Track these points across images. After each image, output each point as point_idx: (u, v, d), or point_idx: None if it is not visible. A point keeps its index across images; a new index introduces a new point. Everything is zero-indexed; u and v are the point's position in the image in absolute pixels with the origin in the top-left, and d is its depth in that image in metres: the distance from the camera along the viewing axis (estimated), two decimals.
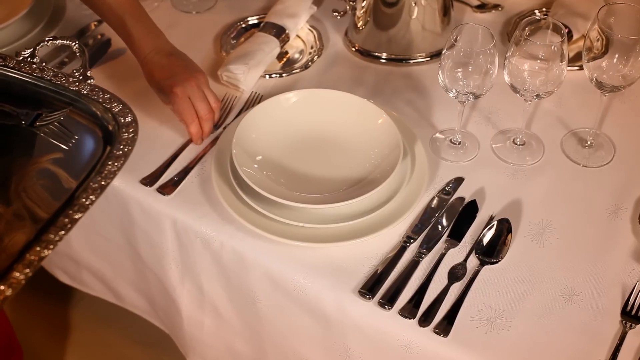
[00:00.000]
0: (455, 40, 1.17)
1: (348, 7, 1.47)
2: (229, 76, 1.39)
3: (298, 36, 1.51)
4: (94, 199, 0.98)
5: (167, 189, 1.24)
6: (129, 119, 1.10)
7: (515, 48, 1.18)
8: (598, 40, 1.18)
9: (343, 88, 1.32)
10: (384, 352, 1.11)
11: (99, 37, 1.51)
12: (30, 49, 1.18)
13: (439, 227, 1.18)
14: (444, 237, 1.16)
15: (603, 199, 1.23)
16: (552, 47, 1.16)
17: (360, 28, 1.47)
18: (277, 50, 1.45)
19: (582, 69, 1.37)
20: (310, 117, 1.27)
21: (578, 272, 1.13)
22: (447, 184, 1.24)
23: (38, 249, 0.92)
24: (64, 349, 1.86)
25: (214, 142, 1.30)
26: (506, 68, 1.20)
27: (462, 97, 1.21)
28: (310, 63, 1.46)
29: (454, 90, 1.21)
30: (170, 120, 1.32)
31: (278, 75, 1.43)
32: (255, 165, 1.21)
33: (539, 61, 1.18)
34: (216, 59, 1.47)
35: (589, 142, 1.30)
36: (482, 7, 1.56)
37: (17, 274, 0.90)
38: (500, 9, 1.56)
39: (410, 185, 1.21)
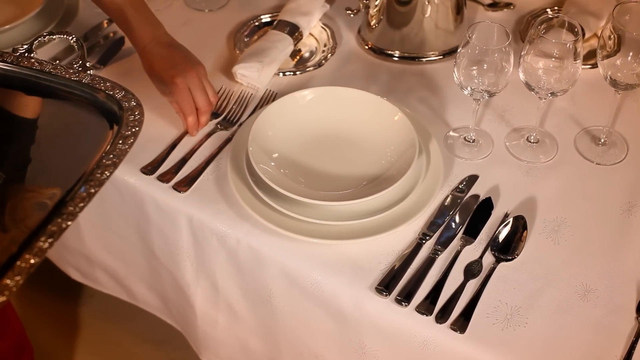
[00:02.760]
0: (471, 38, 1.17)
1: (361, 5, 1.48)
2: (243, 74, 1.39)
3: (311, 34, 1.51)
4: (108, 174, 1.01)
5: (182, 186, 1.24)
6: (133, 102, 1.12)
7: (530, 46, 1.18)
8: (611, 38, 1.19)
9: (356, 86, 1.32)
10: (400, 349, 1.11)
11: (111, 35, 1.52)
12: (26, 44, 1.19)
13: (454, 224, 1.18)
14: (460, 234, 1.17)
15: (617, 196, 1.23)
16: (567, 45, 1.16)
17: (374, 26, 1.47)
18: (291, 48, 1.45)
19: (595, 67, 1.39)
20: (326, 114, 1.28)
21: (593, 269, 1.13)
22: (462, 182, 1.24)
23: (59, 220, 0.94)
24: (74, 346, 1.87)
25: (229, 139, 1.30)
26: (521, 66, 1.21)
27: (477, 95, 1.22)
28: (323, 61, 1.46)
29: (469, 88, 1.21)
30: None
31: (292, 73, 1.44)
32: (272, 163, 1.21)
33: (553, 59, 1.18)
34: (229, 57, 1.47)
35: (602, 140, 1.31)
36: (494, 6, 1.57)
37: (41, 244, 0.92)
38: (512, 7, 1.57)
39: (425, 183, 1.21)
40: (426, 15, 1.43)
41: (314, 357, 1.23)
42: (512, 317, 1.08)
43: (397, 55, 1.47)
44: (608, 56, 1.20)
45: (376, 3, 1.45)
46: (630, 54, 1.18)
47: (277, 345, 1.28)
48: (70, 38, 1.22)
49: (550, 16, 1.44)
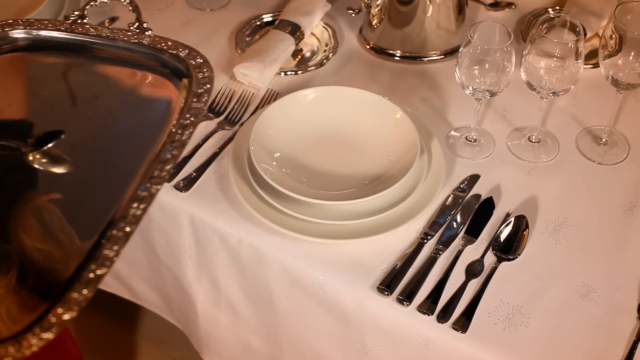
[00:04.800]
0: (472, 38, 1.17)
1: (363, 5, 1.48)
2: (245, 73, 1.39)
3: (313, 34, 1.51)
4: (188, 134, 0.99)
5: (184, 185, 1.24)
6: (199, 59, 1.09)
7: (532, 46, 1.19)
8: (612, 38, 1.19)
9: (358, 85, 1.32)
10: (401, 348, 1.11)
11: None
12: (78, 11, 1.18)
13: (456, 224, 1.18)
14: (461, 234, 1.17)
15: (618, 196, 1.23)
16: (569, 45, 1.16)
17: (375, 26, 1.47)
18: (292, 47, 1.45)
19: (596, 66, 1.39)
20: (327, 114, 1.28)
21: (594, 268, 1.13)
22: (463, 181, 1.24)
23: (148, 184, 0.93)
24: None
25: (231, 139, 1.30)
26: (522, 65, 1.21)
27: (478, 95, 1.22)
28: (325, 60, 1.46)
29: (470, 88, 1.21)
30: None
31: (293, 73, 1.44)
32: (274, 162, 1.21)
33: (555, 59, 1.18)
34: (231, 57, 1.47)
35: (603, 140, 1.31)
36: (495, 5, 1.57)
37: (123, 226, 0.90)
38: (513, 7, 1.57)
39: (427, 182, 1.21)
40: (428, 15, 1.43)
41: (316, 356, 1.23)
42: (514, 317, 1.08)
43: (398, 54, 1.47)
44: (609, 56, 1.20)
45: (378, 3, 1.45)
46: (632, 53, 1.18)
47: (278, 344, 1.28)
48: (123, 0, 1.19)
49: (551, 16, 1.43)
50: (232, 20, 1.55)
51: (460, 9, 1.45)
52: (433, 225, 1.18)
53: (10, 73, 1.19)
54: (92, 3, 1.18)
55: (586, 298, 1.10)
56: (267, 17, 1.55)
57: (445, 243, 1.16)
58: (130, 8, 1.18)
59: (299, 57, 1.48)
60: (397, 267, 1.12)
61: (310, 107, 1.28)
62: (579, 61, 1.18)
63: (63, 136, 1.05)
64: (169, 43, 1.12)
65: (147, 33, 1.13)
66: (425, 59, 1.46)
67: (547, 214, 1.20)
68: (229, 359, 1.38)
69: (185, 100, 1.04)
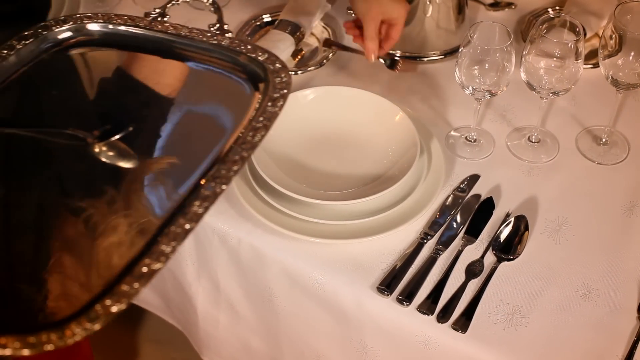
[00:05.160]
0: (472, 38, 1.17)
1: None
2: None
3: (312, 34, 1.51)
4: (260, 137, 0.98)
5: None
6: (278, 65, 1.09)
7: (531, 46, 1.19)
8: (612, 38, 1.19)
9: (358, 86, 1.32)
10: (401, 348, 1.11)
11: None
12: (159, 8, 1.18)
13: (456, 224, 1.18)
14: (461, 234, 1.17)
15: (618, 196, 1.23)
16: (568, 45, 1.16)
17: None
18: (292, 47, 1.45)
19: (596, 66, 1.39)
20: (327, 114, 1.28)
21: (594, 268, 1.13)
22: (463, 181, 1.24)
23: (213, 184, 0.93)
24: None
25: None
26: (522, 66, 1.21)
27: (478, 95, 1.22)
28: (324, 61, 1.46)
29: (470, 88, 1.21)
30: None
31: (293, 73, 1.44)
32: (273, 162, 1.21)
33: (554, 59, 1.18)
34: None
35: (603, 140, 1.31)
36: (495, 5, 1.57)
37: (196, 209, 0.90)
38: (513, 7, 1.57)
39: (426, 183, 1.21)
40: (427, 15, 1.43)
41: (316, 357, 1.23)
42: (514, 317, 1.08)
43: (398, 54, 1.47)
44: (609, 56, 1.20)
45: None
46: (632, 53, 1.18)
47: (278, 344, 1.28)
48: (206, 1, 1.18)
49: (551, 16, 1.43)
50: (231, 21, 1.55)
51: (460, 9, 1.45)
52: (433, 225, 1.18)
53: (84, 65, 1.20)
54: (173, 2, 1.18)
55: (586, 298, 1.10)
56: (267, 17, 1.55)
57: (445, 243, 1.16)
58: (212, 9, 1.18)
59: (299, 57, 1.48)
60: (397, 267, 1.12)
61: (310, 107, 1.28)
62: (579, 61, 1.18)
63: (130, 129, 1.05)
64: (248, 47, 1.12)
65: (227, 35, 1.14)
66: (425, 59, 1.47)
67: (547, 214, 1.20)
68: (228, 359, 1.38)
69: (260, 103, 1.04)
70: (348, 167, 1.23)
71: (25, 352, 0.79)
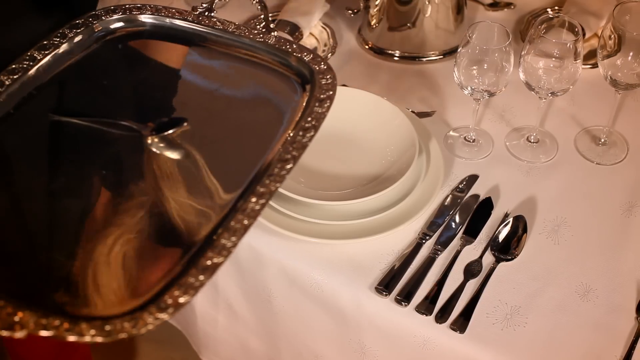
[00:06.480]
0: (471, 38, 1.17)
1: (362, 5, 1.48)
2: None
3: (311, 34, 1.51)
4: (309, 137, 1.01)
5: None
6: (323, 66, 1.10)
7: (530, 46, 1.19)
8: (611, 38, 1.19)
9: (356, 86, 1.32)
10: (400, 349, 1.11)
11: None
12: (206, 3, 1.19)
13: (454, 224, 1.18)
14: (460, 234, 1.17)
15: (617, 196, 1.23)
16: (567, 45, 1.16)
17: (374, 26, 1.47)
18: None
19: (595, 67, 1.39)
20: None
21: (593, 268, 1.13)
22: (462, 182, 1.24)
23: (267, 181, 0.96)
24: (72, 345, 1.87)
25: None
26: (521, 66, 1.21)
27: (477, 95, 1.22)
28: None
29: (469, 88, 1.21)
30: None
31: None
32: None
33: (553, 59, 1.18)
34: None
35: (602, 140, 1.31)
36: (494, 6, 1.57)
37: (252, 205, 0.93)
38: (512, 7, 1.57)
39: (425, 183, 1.21)
40: (426, 15, 1.43)
41: (314, 357, 1.23)
42: (512, 317, 1.08)
43: (397, 55, 1.47)
44: (608, 56, 1.20)
45: (376, 3, 1.45)
46: (631, 53, 1.18)
47: (276, 344, 1.28)
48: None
49: (550, 16, 1.43)
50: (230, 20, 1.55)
51: (459, 9, 1.45)
52: (431, 225, 1.18)
53: (136, 57, 1.22)
54: None
55: (584, 298, 1.10)
56: None
57: (443, 243, 1.16)
58: (259, 7, 1.18)
59: None
60: (396, 268, 1.12)
61: None
62: (578, 61, 1.18)
63: (185, 124, 1.07)
64: (294, 46, 1.13)
65: (272, 34, 1.15)
66: (424, 59, 1.47)
67: (546, 214, 1.20)
68: (227, 359, 1.38)
69: (307, 104, 1.06)
70: (346, 167, 1.23)
71: (99, 339, 0.82)
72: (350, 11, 1.51)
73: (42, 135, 1.08)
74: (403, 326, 1.09)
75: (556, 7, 1.55)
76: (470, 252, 1.15)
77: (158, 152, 1.04)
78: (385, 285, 1.10)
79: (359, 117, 1.27)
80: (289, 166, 0.97)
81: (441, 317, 1.07)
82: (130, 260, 0.93)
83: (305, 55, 1.12)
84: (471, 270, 1.12)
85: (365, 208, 1.16)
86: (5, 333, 0.81)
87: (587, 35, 1.46)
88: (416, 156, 1.19)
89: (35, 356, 1.61)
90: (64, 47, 1.15)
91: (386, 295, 1.10)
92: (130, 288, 0.89)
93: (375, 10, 1.46)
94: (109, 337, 0.82)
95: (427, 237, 1.16)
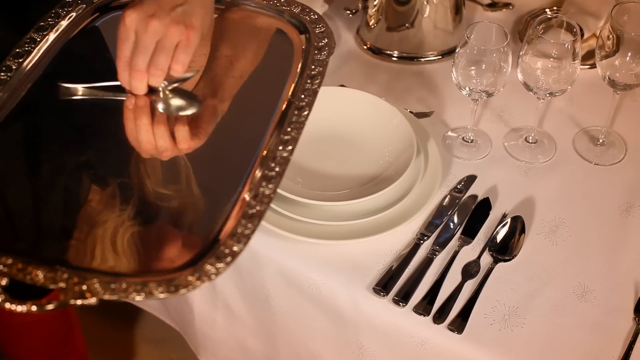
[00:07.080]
0: (469, 38, 1.17)
1: (360, 5, 1.48)
2: None
3: None
4: (317, 84, 1.08)
5: None
6: (313, 15, 1.19)
7: (529, 46, 1.18)
8: (609, 38, 1.19)
9: (355, 86, 1.32)
10: (397, 349, 1.11)
11: None
12: None
13: (452, 224, 1.18)
14: (458, 235, 1.17)
15: (615, 196, 1.23)
16: (565, 46, 1.16)
17: (372, 26, 1.47)
18: None
19: (593, 67, 1.38)
20: (323, 114, 1.27)
21: (591, 269, 1.13)
22: (460, 182, 1.24)
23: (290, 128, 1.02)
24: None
25: None
26: (519, 66, 1.21)
27: (475, 95, 1.22)
28: None
29: (467, 88, 1.21)
30: None
31: None
32: None
33: (552, 59, 1.18)
34: None
35: (600, 141, 1.31)
36: (493, 6, 1.57)
37: (281, 150, 0.99)
38: (511, 7, 1.57)
39: (423, 183, 1.21)
40: (425, 15, 1.43)
41: (312, 357, 1.23)
42: (510, 318, 1.07)
43: (395, 55, 1.47)
44: (607, 56, 1.20)
45: (375, 3, 1.45)
46: (629, 54, 1.18)
47: (274, 345, 1.28)
48: None
49: (549, 16, 1.43)
50: None
51: (457, 10, 1.45)
52: (429, 226, 1.18)
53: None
54: None
55: (582, 299, 1.10)
56: None
57: (441, 244, 1.15)
58: None
59: None
60: (393, 268, 1.12)
61: None
62: (576, 62, 1.18)
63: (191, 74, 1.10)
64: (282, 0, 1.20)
65: None
66: (423, 60, 1.46)
67: (544, 215, 1.20)
68: None
69: (307, 53, 1.12)
70: (344, 167, 1.23)
71: (162, 295, 0.85)
72: (348, 11, 1.51)
73: (60, 110, 1.10)
74: (401, 327, 1.09)
75: (554, 8, 1.55)
76: (468, 253, 1.15)
77: (171, 105, 1.07)
78: (383, 285, 1.10)
79: (357, 117, 1.27)
80: (305, 113, 1.03)
81: (439, 318, 1.07)
82: (185, 219, 0.99)
83: (294, 8, 1.18)
84: (469, 271, 1.12)
85: (363, 208, 1.16)
86: (78, 302, 0.85)
87: (585, 36, 1.45)
88: (414, 156, 1.19)
89: (31, 356, 1.61)
90: (61, 25, 1.18)
91: (384, 295, 1.10)
92: (188, 245, 0.94)
93: (373, 10, 1.46)
94: (176, 292, 0.85)
95: (425, 238, 1.16)
